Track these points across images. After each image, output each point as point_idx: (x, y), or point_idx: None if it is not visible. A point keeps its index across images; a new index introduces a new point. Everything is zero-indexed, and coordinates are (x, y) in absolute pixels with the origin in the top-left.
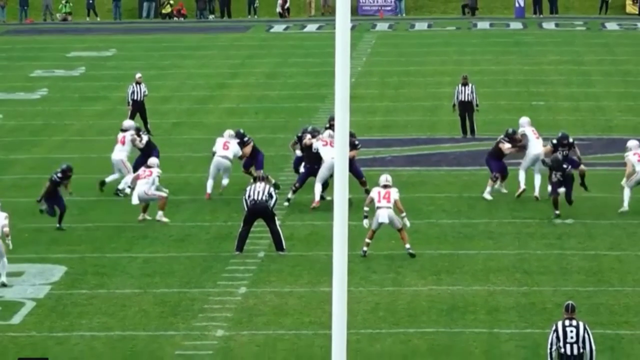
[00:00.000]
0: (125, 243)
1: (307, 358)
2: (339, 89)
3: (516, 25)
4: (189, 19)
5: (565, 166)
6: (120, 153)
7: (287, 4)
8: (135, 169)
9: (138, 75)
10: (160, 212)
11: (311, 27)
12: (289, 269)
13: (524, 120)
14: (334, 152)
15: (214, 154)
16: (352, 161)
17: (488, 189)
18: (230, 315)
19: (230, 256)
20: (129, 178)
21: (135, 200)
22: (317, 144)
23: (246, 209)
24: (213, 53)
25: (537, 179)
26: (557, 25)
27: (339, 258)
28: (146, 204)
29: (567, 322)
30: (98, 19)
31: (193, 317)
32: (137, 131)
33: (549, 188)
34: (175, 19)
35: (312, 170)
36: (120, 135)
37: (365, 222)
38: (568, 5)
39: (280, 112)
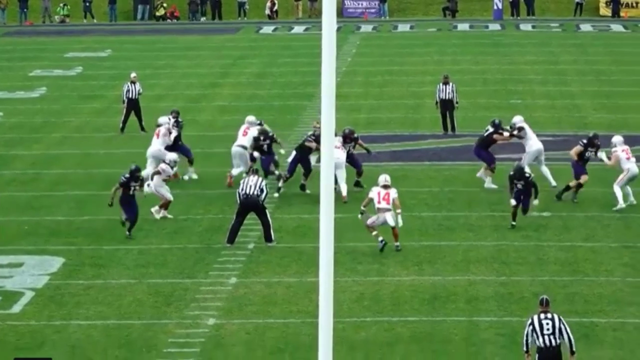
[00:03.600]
0: (122, 235)
1: (294, 345)
2: (325, 88)
3: (495, 26)
4: (181, 21)
5: (527, 175)
6: (156, 146)
7: (276, 7)
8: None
9: (133, 74)
10: (156, 207)
11: (298, 29)
12: (277, 260)
13: (520, 118)
14: (337, 153)
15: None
16: (352, 154)
17: (489, 179)
18: (222, 304)
19: (221, 248)
20: (150, 169)
21: (146, 189)
22: None
23: (239, 202)
24: (205, 53)
25: (545, 171)
26: (533, 26)
27: (325, 249)
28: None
29: (542, 316)
30: (94, 21)
31: (186, 307)
32: (177, 115)
33: (513, 196)
34: (169, 20)
35: (300, 160)
36: (157, 129)
37: (360, 217)
38: (544, 7)
39: (269, 110)
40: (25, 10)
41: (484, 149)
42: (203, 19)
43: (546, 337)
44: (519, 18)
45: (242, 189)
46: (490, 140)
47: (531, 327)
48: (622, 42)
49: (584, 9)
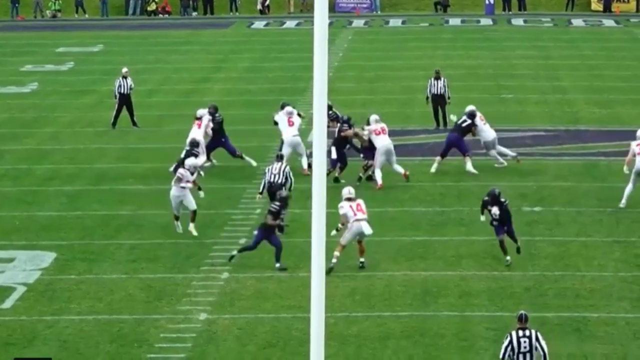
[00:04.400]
0: (113, 230)
1: (286, 340)
2: (317, 83)
3: (486, 21)
4: (173, 16)
5: (502, 200)
6: (196, 136)
7: (267, 1)
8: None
9: (124, 69)
10: (191, 225)
11: (290, 24)
12: (269, 254)
13: (472, 108)
14: (387, 139)
15: (275, 123)
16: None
17: (469, 163)
18: (213, 299)
19: (213, 243)
20: (202, 159)
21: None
22: (368, 134)
23: (265, 189)
24: (197, 48)
25: (500, 151)
26: (525, 21)
27: (317, 244)
28: (178, 213)
29: (520, 333)
30: (86, 15)
31: (177, 301)
32: (214, 109)
33: (494, 229)
34: (160, 15)
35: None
36: (197, 121)
37: (334, 232)
38: (536, 2)
39: (261, 105)
40: (16, 5)
41: (462, 138)
42: (194, 13)
43: (521, 356)
44: (510, 13)
45: (268, 177)
46: (467, 130)
47: (510, 345)
48: (613, 37)
49: (576, 4)
